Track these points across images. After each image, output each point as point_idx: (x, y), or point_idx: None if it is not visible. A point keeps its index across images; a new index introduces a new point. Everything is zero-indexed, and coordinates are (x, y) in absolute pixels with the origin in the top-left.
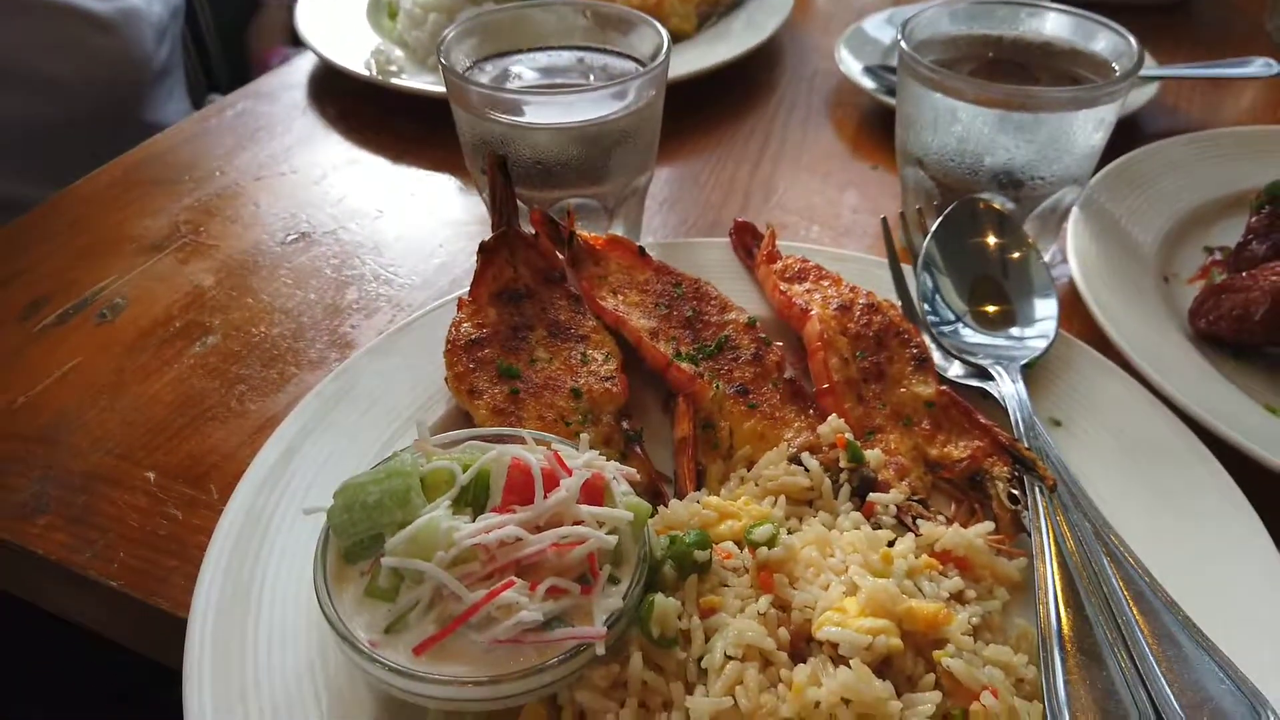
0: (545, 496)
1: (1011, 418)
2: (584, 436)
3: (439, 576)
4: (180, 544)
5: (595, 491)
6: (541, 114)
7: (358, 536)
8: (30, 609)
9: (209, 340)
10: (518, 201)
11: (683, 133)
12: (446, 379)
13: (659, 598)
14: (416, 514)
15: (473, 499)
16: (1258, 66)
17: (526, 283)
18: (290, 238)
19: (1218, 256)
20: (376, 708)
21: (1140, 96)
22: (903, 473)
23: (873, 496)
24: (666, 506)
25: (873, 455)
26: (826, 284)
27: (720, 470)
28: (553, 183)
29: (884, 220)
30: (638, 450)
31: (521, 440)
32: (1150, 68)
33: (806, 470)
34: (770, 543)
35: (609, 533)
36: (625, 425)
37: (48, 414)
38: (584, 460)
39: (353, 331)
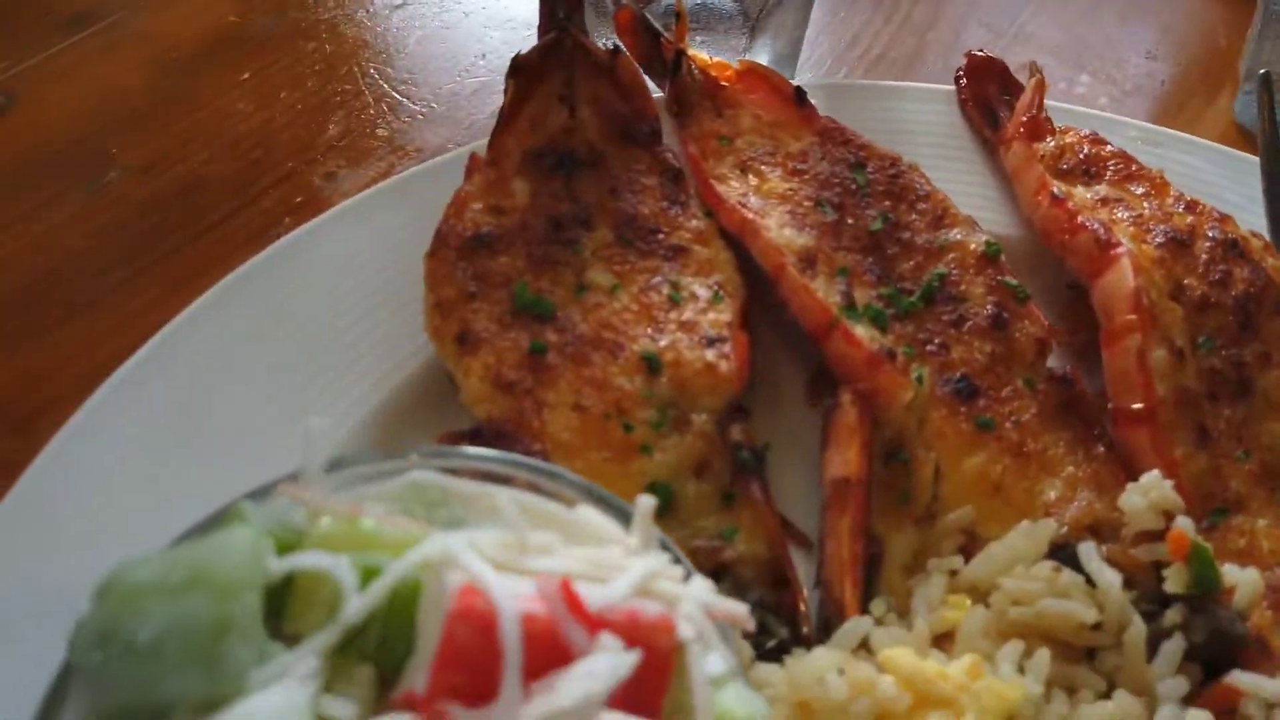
0: (528, 690)
1: None
2: (644, 502)
3: None
4: None
5: (654, 670)
6: None
7: (118, 700)
8: None
9: (108, 177)
10: None
11: None
12: (425, 307)
13: None
14: (238, 684)
15: (377, 647)
16: None
17: (589, 139)
18: (264, 22)
19: None
20: None
21: None
22: None
23: (1238, 679)
24: (801, 619)
25: (1241, 578)
26: (1140, 190)
27: (909, 546)
28: None
29: (1265, 77)
30: (755, 491)
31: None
32: None
33: (1090, 583)
34: None
35: None
36: (738, 434)
37: None
38: (633, 583)
39: (325, 186)
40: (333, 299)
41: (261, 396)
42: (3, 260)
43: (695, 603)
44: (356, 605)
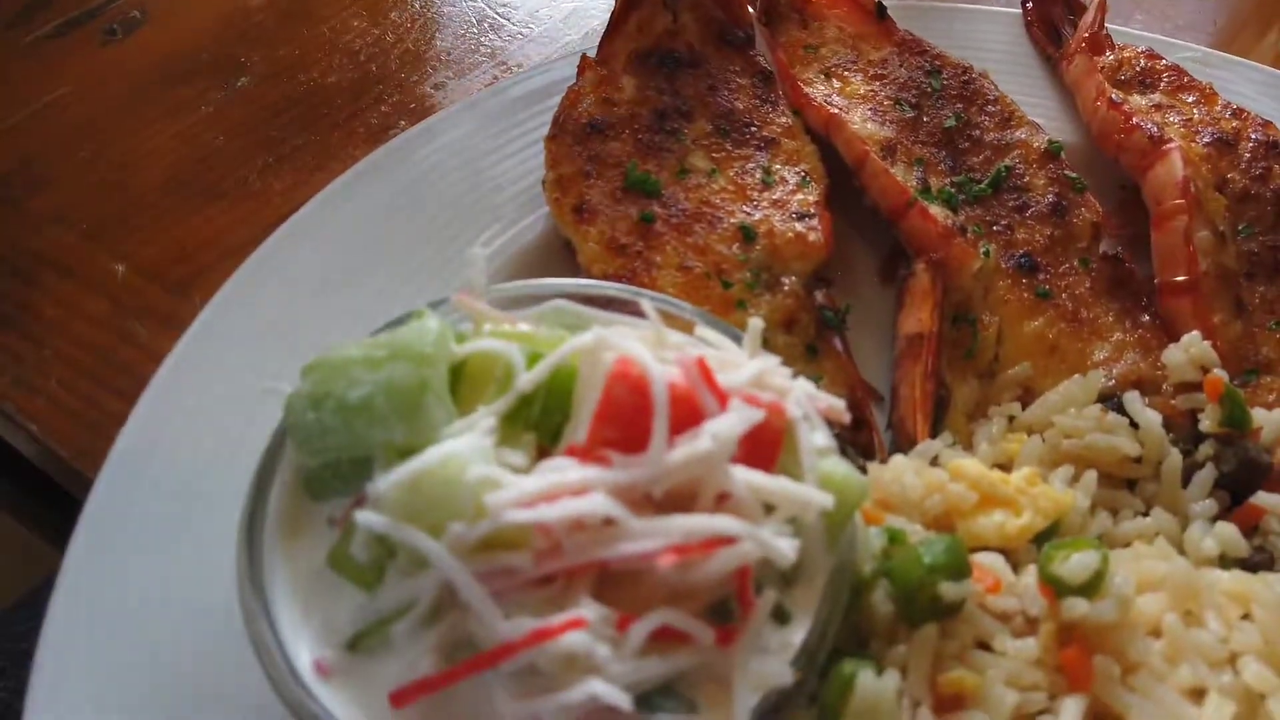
0: (671, 442)
1: None
2: (754, 322)
3: (450, 570)
4: (134, 379)
5: (767, 442)
6: None
7: (328, 454)
8: None
9: (240, 82)
10: None
11: None
12: (545, 182)
13: (863, 675)
14: (432, 435)
15: (539, 420)
16: None
17: (690, 41)
18: None
19: None
20: None
21: None
22: None
23: (1262, 499)
24: (875, 452)
25: (1268, 418)
26: (1190, 99)
27: (972, 396)
28: None
29: None
30: (837, 344)
31: (642, 312)
32: None
33: (1134, 425)
34: (1091, 585)
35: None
36: (821, 298)
37: (9, 159)
38: (751, 374)
39: (434, 94)
40: (459, 178)
41: (400, 259)
42: (154, 150)
43: (802, 392)
44: (527, 378)
